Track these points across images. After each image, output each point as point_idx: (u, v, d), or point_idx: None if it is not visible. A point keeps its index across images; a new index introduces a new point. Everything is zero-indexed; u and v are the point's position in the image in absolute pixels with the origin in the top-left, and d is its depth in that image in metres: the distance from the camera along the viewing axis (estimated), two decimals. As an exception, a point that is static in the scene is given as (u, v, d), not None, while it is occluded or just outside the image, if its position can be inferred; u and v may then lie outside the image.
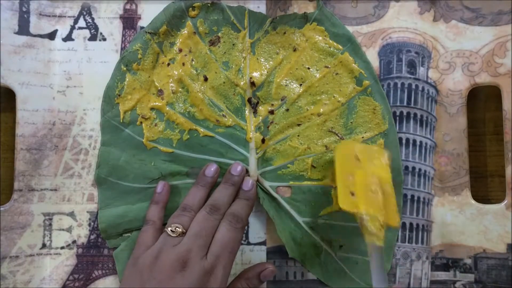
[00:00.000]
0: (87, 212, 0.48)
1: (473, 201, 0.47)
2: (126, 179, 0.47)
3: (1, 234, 0.46)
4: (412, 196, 0.47)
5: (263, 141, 0.47)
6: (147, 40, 0.47)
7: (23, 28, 0.48)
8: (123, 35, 0.49)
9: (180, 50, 0.48)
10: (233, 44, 0.48)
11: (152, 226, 0.43)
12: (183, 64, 0.48)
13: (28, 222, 0.47)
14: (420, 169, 0.47)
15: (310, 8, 0.48)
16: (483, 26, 0.47)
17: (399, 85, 0.48)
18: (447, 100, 0.47)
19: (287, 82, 0.48)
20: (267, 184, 0.47)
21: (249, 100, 0.48)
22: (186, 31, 0.48)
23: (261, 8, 0.48)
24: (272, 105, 0.48)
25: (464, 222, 0.46)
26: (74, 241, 0.48)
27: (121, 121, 0.47)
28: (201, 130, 0.47)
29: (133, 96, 0.47)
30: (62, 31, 0.49)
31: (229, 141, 0.47)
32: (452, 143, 0.47)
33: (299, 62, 0.48)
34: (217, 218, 0.42)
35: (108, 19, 0.49)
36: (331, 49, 0.48)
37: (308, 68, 0.48)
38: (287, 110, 0.47)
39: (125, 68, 0.47)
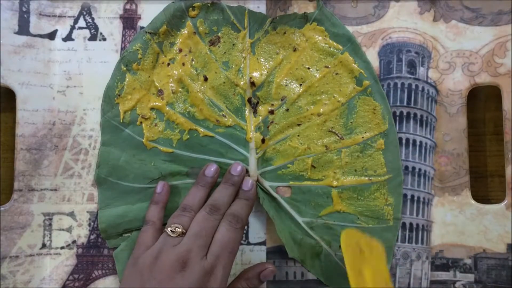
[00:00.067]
0: (87, 212, 0.48)
1: (473, 201, 0.47)
2: (126, 179, 0.47)
3: (1, 234, 0.46)
4: (412, 196, 0.47)
5: (263, 141, 0.47)
6: (147, 40, 0.47)
7: (23, 28, 0.48)
8: (123, 35, 0.49)
9: (180, 50, 0.48)
10: (233, 44, 0.48)
11: (152, 226, 0.43)
12: (183, 64, 0.48)
13: (28, 222, 0.47)
14: (420, 169, 0.47)
15: (310, 8, 0.48)
16: (483, 26, 0.47)
17: (399, 85, 0.48)
18: (447, 100, 0.47)
19: (287, 82, 0.48)
20: (267, 184, 0.47)
21: (249, 100, 0.48)
22: (186, 31, 0.48)
23: (261, 8, 0.48)
24: (272, 105, 0.48)
25: (464, 222, 0.46)
26: (74, 241, 0.48)
27: (121, 121, 0.47)
28: (201, 130, 0.47)
29: (133, 96, 0.47)
30: (62, 31, 0.49)
31: (229, 141, 0.47)
32: (452, 143, 0.47)
33: (299, 62, 0.48)
34: (217, 218, 0.42)
35: (108, 19, 0.49)
36: (331, 49, 0.48)
37: (308, 68, 0.48)
38: (287, 110, 0.47)
39: (125, 68, 0.47)
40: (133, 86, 0.47)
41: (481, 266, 0.46)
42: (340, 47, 0.48)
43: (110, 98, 0.48)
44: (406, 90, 0.48)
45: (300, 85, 0.48)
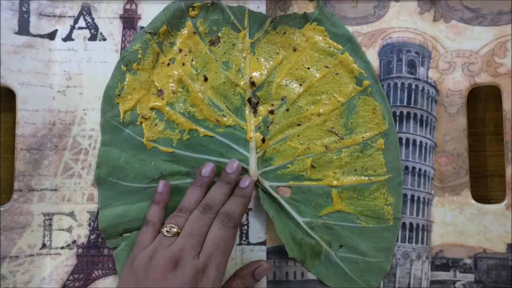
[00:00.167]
0: (87, 212, 0.48)
1: (473, 201, 0.47)
2: (126, 179, 0.47)
3: (1, 234, 0.46)
4: (412, 196, 0.47)
5: (263, 140, 0.47)
6: (147, 40, 0.47)
7: (23, 28, 0.48)
8: (123, 35, 0.49)
9: (180, 50, 0.48)
10: (233, 44, 0.48)
11: (151, 227, 0.44)
12: (183, 64, 0.48)
13: (28, 222, 0.47)
14: (420, 169, 0.47)
15: (310, 8, 0.48)
16: (483, 26, 0.47)
17: (399, 85, 0.48)
18: (447, 100, 0.47)
19: (287, 82, 0.48)
20: (267, 184, 0.47)
21: (249, 100, 0.48)
22: (186, 31, 0.48)
23: (261, 8, 0.48)
24: (272, 105, 0.48)
25: (464, 222, 0.46)
26: (74, 241, 0.48)
27: (121, 121, 0.47)
28: (201, 130, 0.47)
29: (133, 96, 0.47)
30: (62, 31, 0.49)
31: (229, 141, 0.47)
32: (452, 143, 0.47)
33: (299, 62, 0.48)
34: (210, 217, 0.42)
35: (108, 19, 0.49)
36: (331, 49, 0.48)
37: (308, 68, 0.48)
38: (287, 110, 0.47)
39: (125, 68, 0.47)
40: (133, 86, 0.47)
41: (481, 266, 0.46)
42: (340, 47, 0.48)
43: (110, 98, 0.48)
44: (406, 90, 0.48)
45: (300, 85, 0.48)
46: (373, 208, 0.46)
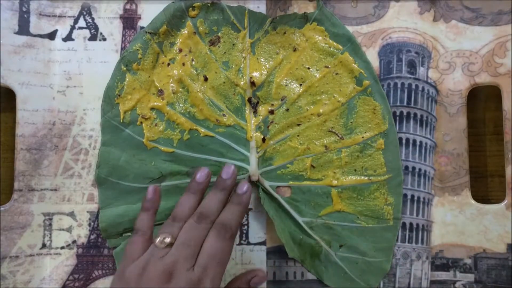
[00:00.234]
0: (87, 212, 0.48)
1: (473, 201, 0.47)
2: (126, 179, 0.47)
3: (1, 234, 0.46)
4: (412, 196, 0.47)
5: (263, 140, 0.47)
6: (147, 40, 0.47)
7: (23, 28, 0.48)
8: (123, 35, 0.49)
9: (180, 50, 0.48)
10: (233, 44, 0.48)
11: (141, 237, 0.40)
12: (183, 64, 0.48)
13: (28, 222, 0.47)
14: (420, 169, 0.47)
15: (310, 8, 0.48)
16: (483, 26, 0.47)
17: (399, 85, 0.48)
18: (447, 100, 0.47)
19: (287, 82, 0.48)
20: (267, 184, 0.47)
21: (249, 100, 0.48)
22: (186, 31, 0.48)
23: (261, 8, 0.48)
24: (272, 105, 0.48)
25: (464, 222, 0.46)
26: (74, 241, 0.48)
27: (121, 121, 0.47)
28: (202, 130, 0.47)
29: (133, 96, 0.47)
30: (62, 31, 0.49)
31: (230, 141, 0.47)
32: (452, 143, 0.47)
33: (299, 62, 0.48)
34: (206, 227, 0.39)
35: (108, 19, 0.49)
36: (331, 49, 0.48)
37: (308, 68, 0.48)
38: (287, 110, 0.47)
39: (125, 68, 0.47)
40: (133, 86, 0.47)
41: (481, 266, 0.46)
42: (340, 47, 0.48)
43: (110, 98, 0.48)
44: (406, 90, 0.48)
45: (300, 85, 0.48)
46: (373, 208, 0.46)
